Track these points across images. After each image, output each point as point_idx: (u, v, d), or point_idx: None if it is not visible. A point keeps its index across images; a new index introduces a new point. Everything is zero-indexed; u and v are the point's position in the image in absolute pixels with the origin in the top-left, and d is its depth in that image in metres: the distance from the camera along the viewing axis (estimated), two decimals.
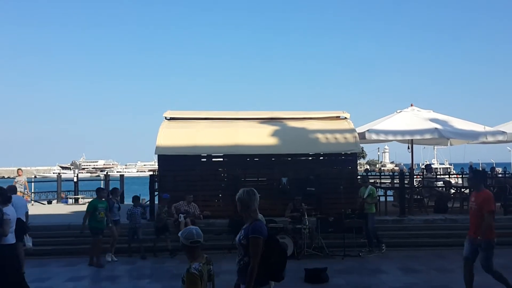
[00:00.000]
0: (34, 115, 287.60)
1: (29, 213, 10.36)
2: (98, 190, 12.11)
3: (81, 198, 21.89)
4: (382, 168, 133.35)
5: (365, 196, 12.26)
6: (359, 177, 14.71)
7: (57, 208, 18.63)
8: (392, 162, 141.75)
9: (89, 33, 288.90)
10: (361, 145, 18.09)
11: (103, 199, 11.68)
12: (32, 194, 21.92)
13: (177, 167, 14.39)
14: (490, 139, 15.36)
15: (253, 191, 4.81)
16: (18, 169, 18.56)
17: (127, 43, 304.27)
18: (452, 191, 17.03)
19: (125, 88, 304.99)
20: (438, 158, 67.70)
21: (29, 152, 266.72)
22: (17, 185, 16.42)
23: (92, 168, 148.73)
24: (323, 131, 14.90)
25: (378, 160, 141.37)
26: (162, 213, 12.61)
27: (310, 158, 15.10)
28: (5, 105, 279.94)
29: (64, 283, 9.45)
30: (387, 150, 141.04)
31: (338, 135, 14.75)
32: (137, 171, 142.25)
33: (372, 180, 18.39)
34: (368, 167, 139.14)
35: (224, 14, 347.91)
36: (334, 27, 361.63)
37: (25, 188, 17.64)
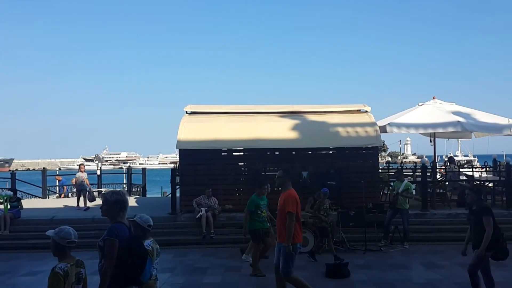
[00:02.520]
0: (58, 107, 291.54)
1: (53, 206, 10.40)
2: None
3: (105, 191, 22.24)
4: (404, 160, 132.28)
5: (400, 191, 12.17)
6: (380, 169, 14.61)
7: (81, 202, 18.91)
8: (414, 154, 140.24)
9: (110, 25, 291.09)
10: (382, 137, 17.96)
11: (263, 195, 10.02)
12: (57, 187, 22.36)
13: (198, 161, 14.48)
14: None
15: (123, 193, 4.81)
16: (80, 165, 17.58)
17: (148, 36, 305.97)
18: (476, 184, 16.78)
19: (147, 80, 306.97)
20: (462, 150, 66.79)
21: (54, 145, 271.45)
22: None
23: (115, 160, 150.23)
24: (343, 125, 14.81)
25: (400, 152, 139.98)
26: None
27: (330, 152, 15.03)
28: (30, 98, 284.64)
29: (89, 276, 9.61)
30: (409, 142, 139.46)
31: (358, 129, 14.65)
32: (159, 163, 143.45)
33: (393, 174, 18.31)
34: (389, 159, 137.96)
35: (240, 7, 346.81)
36: (355, 22, 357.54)
37: (86, 186, 16.16)
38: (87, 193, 16.18)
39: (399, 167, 19.07)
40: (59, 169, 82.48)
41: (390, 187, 15.90)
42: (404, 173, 18.17)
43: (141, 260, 4.53)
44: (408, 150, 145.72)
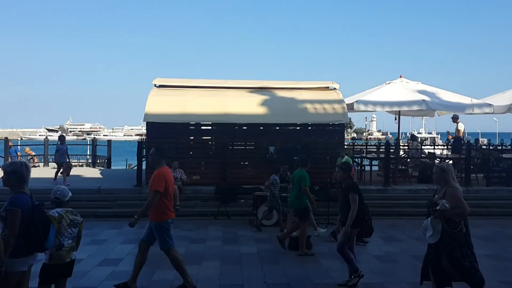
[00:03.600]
0: (20, 76, 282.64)
1: None
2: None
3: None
4: (369, 136, 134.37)
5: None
6: (346, 146, 14.84)
7: (44, 172, 18.62)
8: (379, 131, 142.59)
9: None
10: (349, 114, 18.21)
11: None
12: (19, 157, 21.91)
13: (165, 134, 14.40)
14: (476, 111, 15.56)
15: (21, 164, 4.94)
16: (61, 136, 16.74)
17: (119, 4, 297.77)
18: (437, 161, 17.29)
19: (113, 52, 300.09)
20: (426, 127, 68.34)
21: (15, 114, 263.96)
22: None
23: (79, 131, 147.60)
24: (312, 101, 14.95)
25: (365, 128, 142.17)
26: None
27: (298, 128, 15.15)
28: None
29: None
30: (374, 119, 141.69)
31: (326, 106, 14.82)
32: (124, 135, 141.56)
33: (358, 149, 18.67)
34: (355, 135, 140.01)
35: None
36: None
37: (66, 159, 15.46)
38: (68, 167, 15.38)
39: (364, 143, 19.47)
40: (21, 139, 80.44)
41: (355, 163, 16.26)
42: (368, 150, 18.63)
43: (44, 228, 4.68)
44: (374, 127, 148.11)
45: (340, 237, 7.15)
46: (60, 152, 15.13)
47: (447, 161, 16.36)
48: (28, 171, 4.87)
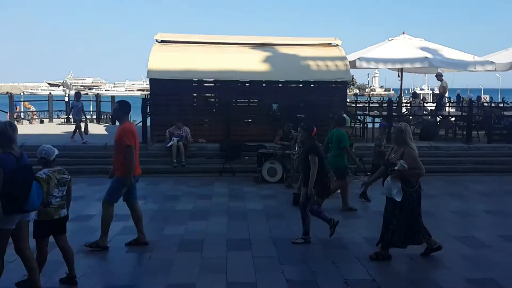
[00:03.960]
0: (19, 29, 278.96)
1: (22, 132, 10.31)
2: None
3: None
4: (372, 93, 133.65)
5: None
6: (348, 102, 14.92)
7: (49, 128, 18.82)
8: (381, 87, 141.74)
9: None
10: (351, 71, 18.22)
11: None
12: (22, 113, 22.04)
13: (168, 91, 14.50)
14: (478, 68, 15.60)
15: (5, 123, 4.99)
16: (77, 92, 16.45)
17: None
18: (439, 119, 17.42)
19: (114, 5, 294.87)
20: (429, 83, 67.81)
21: (16, 68, 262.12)
22: None
23: (80, 85, 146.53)
24: (314, 58, 14.94)
25: (368, 85, 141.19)
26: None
27: (300, 85, 15.21)
28: None
29: None
30: (377, 75, 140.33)
31: (329, 63, 14.82)
32: (126, 90, 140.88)
33: (360, 105, 18.80)
34: (357, 91, 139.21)
35: None
36: None
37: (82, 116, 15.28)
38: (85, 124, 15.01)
39: (366, 100, 19.56)
40: (23, 93, 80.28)
41: (357, 121, 16.42)
42: (371, 107, 18.73)
43: (23, 190, 4.72)
44: (376, 83, 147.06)
45: (302, 196, 7.20)
46: (76, 109, 15.00)
47: (452, 118, 16.53)
48: (14, 131, 4.92)
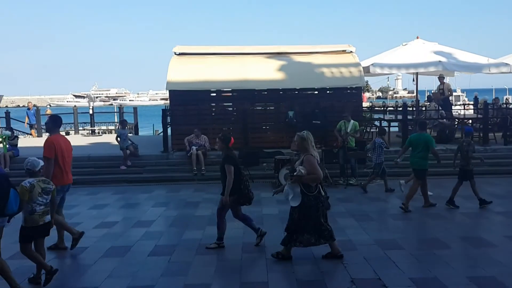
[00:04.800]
0: (45, 43, 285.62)
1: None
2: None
3: (98, 129, 22.82)
4: (395, 95, 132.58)
5: (349, 130, 12.75)
6: (365, 108, 15.16)
7: (75, 139, 19.50)
8: (405, 89, 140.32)
9: None
10: (370, 76, 18.43)
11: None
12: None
13: (187, 102, 15.01)
14: (493, 71, 15.68)
15: None
16: (123, 121, 16.43)
17: None
18: (456, 122, 17.52)
19: (138, 16, 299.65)
20: (450, 83, 66.85)
21: (43, 81, 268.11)
22: None
23: (105, 96, 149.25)
24: (328, 65, 15.28)
25: (390, 87, 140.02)
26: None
27: (316, 92, 15.56)
28: (17, 33, 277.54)
29: (88, 211, 10.39)
30: (400, 77, 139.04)
31: (343, 69, 15.14)
32: (149, 100, 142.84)
33: (378, 110, 19.00)
34: (380, 94, 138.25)
35: None
36: None
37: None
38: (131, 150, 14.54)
39: (382, 102, 19.75)
40: (49, 105, 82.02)
41: (374, 126, 16.63)
42: (389, 109, 18.95)
43: (1, 196, 5.43)
44: (399, 85, 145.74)
45: (219, 203, 7.59)
46: (122, 137, 14.79)
47: (469, 121, 16.60)
48: None
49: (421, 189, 10.09)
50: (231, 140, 7.61)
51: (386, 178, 11.87)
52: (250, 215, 8.12)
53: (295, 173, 6.43)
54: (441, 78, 16.63)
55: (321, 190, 6.57)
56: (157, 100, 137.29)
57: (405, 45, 16.81)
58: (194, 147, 13.71)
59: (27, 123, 21.54)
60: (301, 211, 6.56)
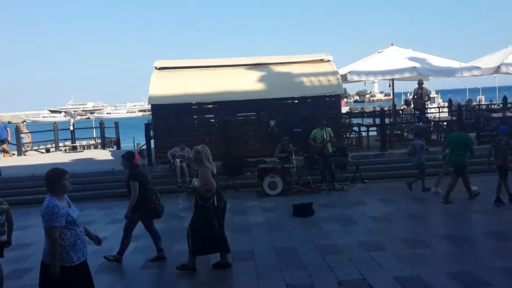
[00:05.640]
0: (17, 58, 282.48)
1: (33, 163, 10.76)
2: None
3: (79, 145, 22.77)
4: (372, 98, 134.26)
5: (326, 138, 13.08)
6: (344, 114, 15.53)
7: (57, 157, 19.46)
8: (381, 92, 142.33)
9: None
10: (347, 83, 18.85)
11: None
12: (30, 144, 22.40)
13: (170, 115, 15.21)
14: (466, 74, 16.22)
15: None
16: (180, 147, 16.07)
17: None
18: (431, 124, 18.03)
19: (111, 27, 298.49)
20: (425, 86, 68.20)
21: (16, 97, 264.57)
22: None
23: (82, 110, 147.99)
24: (307, 75, 15.65)
25: (367, 91, 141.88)
26: None
27: (296, 101, 15.86)
28: None
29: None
30: (376, 81, 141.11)
31: (321, 78, 15.52)
32: (127, 112, 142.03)
33: (356, 113, 19.38)
34: (357, 98, 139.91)
35: None
36: None
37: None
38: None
39: (361, 108, 20.19)
40: (24, 121, 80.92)
41: (353, 132, 17.02)
42: (367, 113, 19.38)
43: None
44: (376, 89, 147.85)
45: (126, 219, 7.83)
46: (185, 158, 14.34)
47: (444, 123, 17.11)
48: None
49: (464, 183, 10.78)
50: (135, 157, 7.86)
51: (424, 178, 12.27)
52: (238, 223, 8.33)
53: (190, 186, 6.72)
54: (420, 83, 17.15)
55: (215, 201, 6.81)
56: (135, 112, 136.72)
57: (380, 52, 17.29)
58: (177, 160, 13.89)
59: None
60: (199, 221, 6.81)
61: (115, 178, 14.56)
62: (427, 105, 17.59)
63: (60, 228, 4.60)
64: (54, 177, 4.77)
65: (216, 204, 6.79)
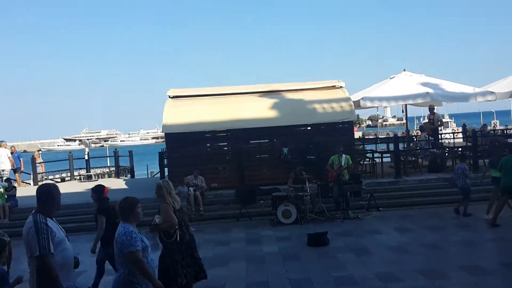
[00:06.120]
0: (32, 88, 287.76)
1: None
2: None
3: (93, 173, 22.91)
4: (384, 123, 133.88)
5: (342, 164, 13.03)
6: (357, 140, 15.46)
7: (72, 186, 19.57)
8: (394, 117, 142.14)
9: (87, 5, 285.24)
10: (360, 109, 18.83)
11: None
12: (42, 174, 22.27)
13: (183, 143, 15.24)
14: (479, 99, 16.10)
15: None
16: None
17: (122, 15, 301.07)
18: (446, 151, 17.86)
19: (123, 58, 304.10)
20: (438, 111, 68.02)
21: (32, 126, 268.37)
22: None
23: (96, 138, 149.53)
24: (320, 101, 15.65)
25: (380, 115, 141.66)
26: None
27: (308, 128, 15.85)
28: (3, 80, 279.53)
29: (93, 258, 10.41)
30: (388, 105, 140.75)
31: (334, 104, 15.51)
32: (141, 139, 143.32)
33: (370, 140, 19.30)
34: (370, 122, 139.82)
35: None
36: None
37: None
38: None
39: (375, 135, 20.09)
40: (40, 150, 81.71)
41: (367, 158, 16.92)
42: (380, 139, 19.27)
43: None
44: (388, 113, 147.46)
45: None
46: (182, 195, 15.02)
47: (459, 149, 16.94)
48: None
49: (498, 204, 10.83)
50: (105, 191, 7.84)
51: (468, 203, 12.15)
52: (253, 254, 8.23)
53: (152, 223, 6.66)
54: (431, 109, 17.08)
55: (178, 236, 6.68)
56: (148, 139, 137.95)
57: (392, 78, 17.27)
58: (191, 188, 13.87)
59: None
60: (165, 258, 6.68)
61: None
62: (441, 130, 17.44)
63: (140, 252, 4.59)
64: (128, 206, 4.84)
65: (178, 239, 6.72)
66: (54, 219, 4.68)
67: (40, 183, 20.65)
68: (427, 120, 17.75)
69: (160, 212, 6.71)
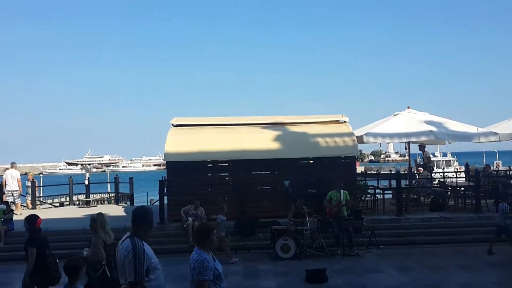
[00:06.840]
0: (36, 111, 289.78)
1: (44, 217, 10.64)
2: None
3: (92, 199, 22.76)
4: (387, 159, 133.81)
5: (343, 201, 12.92)
6: (359, 174, 15.36)
7: (70, 211, 19.43)
8: (396, 153, 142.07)
9: (90, 25, 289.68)
10: (363, 144, 18.82)
11: None
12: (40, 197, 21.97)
13: (184, 172, 15.16)
14: (482, 140, 16.06)
15: None
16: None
17: (127, 37, 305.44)
18: (448, 189, 17.75)
19: (126, 83, 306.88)
20: (441, 149, 68.19)
21: (34, 149, 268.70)
22: None
23: (98, 163, 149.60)
24: (323, 135, 15.64)
25: (382, 150, 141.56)
26: None
27: (311, 161, 15.80)
28: (6, 103, 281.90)
29: None
30: (391, 142, 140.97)
31: (337, 139, 15.49)
32: (142, 166, 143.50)
33: (372, 176, 19.20)
34: (372, 158, 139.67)
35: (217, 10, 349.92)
36: (330, 29, 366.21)
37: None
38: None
39: (377, 171, 20.01)
40: (41, 173, 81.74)
41: (368, 194, 16.80)
42: (382, 175, 19.17)
43: None
44: (391, 149, 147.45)
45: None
46: (223, 224, 14.78)
47: (461, 189, 16.84)
48: None
49: None
50: (38, 221, 7.54)
51: (496, 240, 12.19)
52: None
53: (80, 255, 6.54)
54: (421, 147, 17.20)
55: (107, 272, 6.57)
56: (150, 166, 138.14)
57: (396, 115, 17.30)
58: (190, 218, 13.72)
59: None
60: None
61: None
62: (443, 166, 17.49)
63: (208, 282, 4.53)
64: (204, 232, 4.82)
65: (104, 275, 6.57)
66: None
67: (38, 207, 20.59)
68: (432, 156, 17.79)
69: (90, 245, 6.62)
